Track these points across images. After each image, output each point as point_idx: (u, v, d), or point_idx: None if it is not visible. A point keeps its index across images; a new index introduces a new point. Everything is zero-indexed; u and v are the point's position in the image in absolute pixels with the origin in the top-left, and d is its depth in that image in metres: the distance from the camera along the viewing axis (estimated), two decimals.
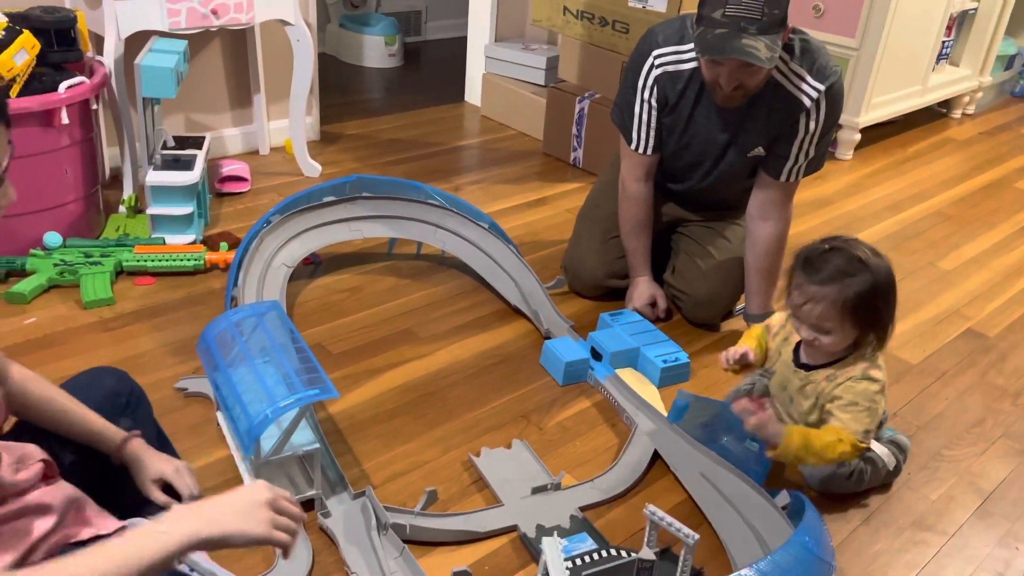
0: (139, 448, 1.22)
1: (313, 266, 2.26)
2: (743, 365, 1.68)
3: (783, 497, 1.48)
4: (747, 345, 1.68)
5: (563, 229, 2.53)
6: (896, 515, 1.60)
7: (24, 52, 1.95)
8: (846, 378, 1.50)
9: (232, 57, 2.81)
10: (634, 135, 1.99)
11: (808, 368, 1.56)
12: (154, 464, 1.21)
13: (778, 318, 1.68)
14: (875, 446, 1.62)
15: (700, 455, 1.61)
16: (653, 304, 2.12)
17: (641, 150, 2.00)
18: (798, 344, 1.59)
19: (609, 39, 2.80)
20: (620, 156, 2.10)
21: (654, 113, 1.94)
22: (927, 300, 2.39)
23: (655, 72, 1.90)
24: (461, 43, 3.76)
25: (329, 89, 3.52)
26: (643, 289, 2.12)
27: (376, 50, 4.19)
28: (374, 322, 2.05)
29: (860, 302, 1.43)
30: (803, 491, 1.55)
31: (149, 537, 0.89)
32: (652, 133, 1.97)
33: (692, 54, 1.84)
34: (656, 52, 1.89)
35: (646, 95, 1.93)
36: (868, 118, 3.41)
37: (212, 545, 0.91)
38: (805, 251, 1.49)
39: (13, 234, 2.07)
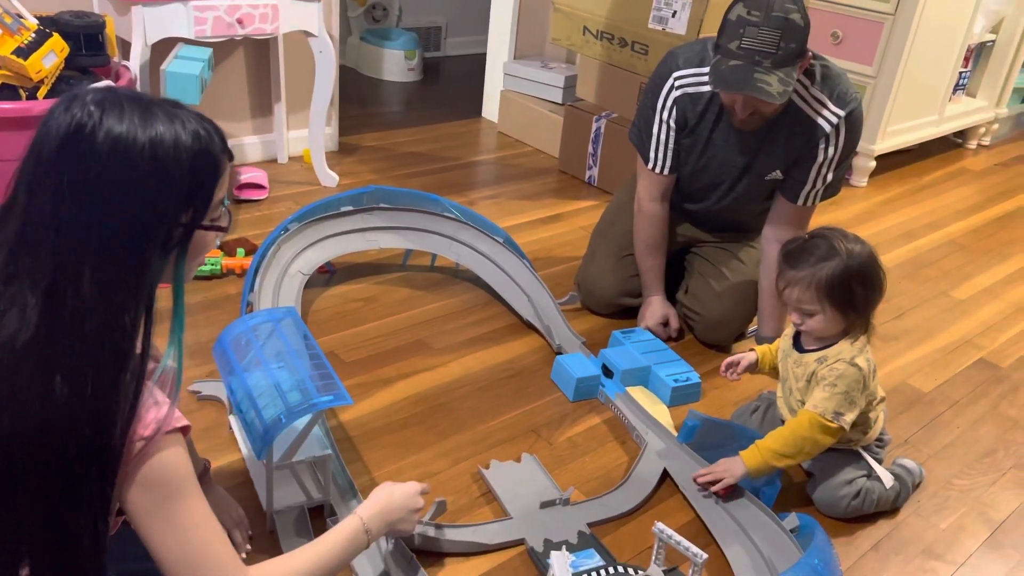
0: (210, 482, 1.34)
1: (328, 275, 2.27)
2: (749, 371, 1.72)
3: (792, 520, 1.48)
4: (757, 353, 1.71)
5: (577, 246, 2.54)
6: (905, 543, 1.59)
7: (53, 55, 1.99)
8: (835, 360, 1.53)
9: (255, 66, 2.85)
10: (652, 155, 2.00)
11: (802, 351, 1.60)
12: (222, 504, 1.34)
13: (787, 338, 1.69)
14: (877, 468, 1.62)
15: None
16: (665, 323, 2.12)
17: (658, 170, 2.01)
18: (798, 332, 1.63)
19: (628, 60, 2.82)
20: (636, 175, 2.11)
21: (672, 134, 1.96)
22: (940, 329, 2.39)
23: (675, 93, 1.92)
24: (480, 60, 3.79)
25: (348, 101, 3.55)
26: (656, 308, 2.13)
27: (396, 64, 4.23)
28: (387, 332, 2.06)
29: (834, 283, 1.50)
30: (811, 515, 1.54)
31: (358, 536, 1.18)
32: (670, 154, 1.98)
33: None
34: (677, 74, 1.91)
35: (665, 116, 1.94)
36: (884, 146, 3.42)
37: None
38: (788, 243, 1.59)
39: None
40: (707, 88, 1.88)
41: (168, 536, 0.93)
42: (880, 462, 1.64)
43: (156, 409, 0.91)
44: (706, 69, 1.86)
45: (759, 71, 1.67)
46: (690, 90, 1.90)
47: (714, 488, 1.55)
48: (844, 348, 1.54)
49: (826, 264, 1.50)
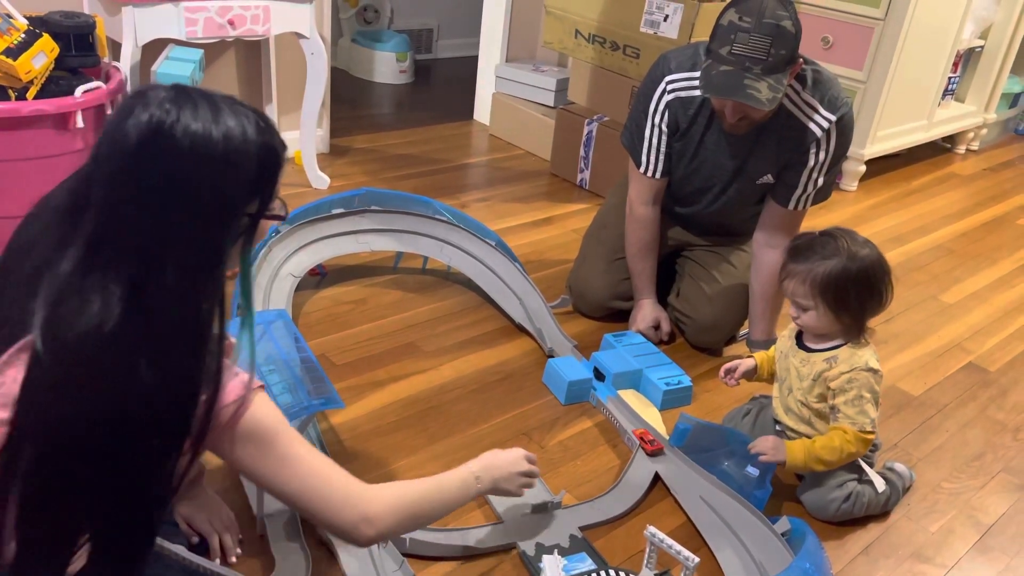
0: (202, 486, 1.36)
1: (319, 277, 2.27)
2: (747, 378, 1.73)
3: (783, 523, 1.48)
4: (755, 359, 1.72)
5: (569, 249, 2.54)
6: (895, 546, 1.60)
7: (43, 55, 1.97)
8: (850, 367, 1.53)
9: (246, 68, 2.84)
10: (643, 158, 2.01)
11: (809, 350, 1.60)
12: (213, 507, 1.35)
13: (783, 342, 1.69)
14: (869, 471, 1.62)
15: (701, 479, 1.61)
16: (657, 327, 2.13)
17: (650, 173, 2.01)
18: (800, 332, 1.64)
19: (620, 63, 2.82)
20: (628, 179, 2.11)
21: (664, 138, 1.96)
22: (929, 333, 2.40)
23: (667, 97, 1.92)
24: (472, 62, 3.79)
25: (340, 103, 3.54)
26: (647, 311, 2.13)
27: (387, 66, 4.23)
28: (378, 335, 2.05)
29: (829, 282, 1.51)
30: (802, 519, 1.55)
31: (469, 484, 1.26)
32: (661, 157, 1.99)
33: None
34: (669, 78, 1.91)
35: (657, 119, 1.95)
36: (873, 150, 3.44)
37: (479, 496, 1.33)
38: (798, 237, 1.61)
39: None
40: (699, 92, 1.88)
41: (284, 473, 1.03)
42: (871, 466, 1.65)
43: (236, 377, 0.99)
44: (698, 73, 1.87)
45: (749, 77, 1.67)
46: (682, 94, 1.91)
47: (761, 459, 1.57)
48: (857, 354, 1.54)
49: (826, 262, 1.51)
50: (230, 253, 0.96)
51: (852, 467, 1.62)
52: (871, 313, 1.55)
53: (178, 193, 0.90)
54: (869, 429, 1.53)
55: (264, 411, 1.02)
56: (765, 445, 1.58)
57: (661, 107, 1.93)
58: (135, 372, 0.88)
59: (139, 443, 0.91)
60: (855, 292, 1.51)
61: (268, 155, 0.96)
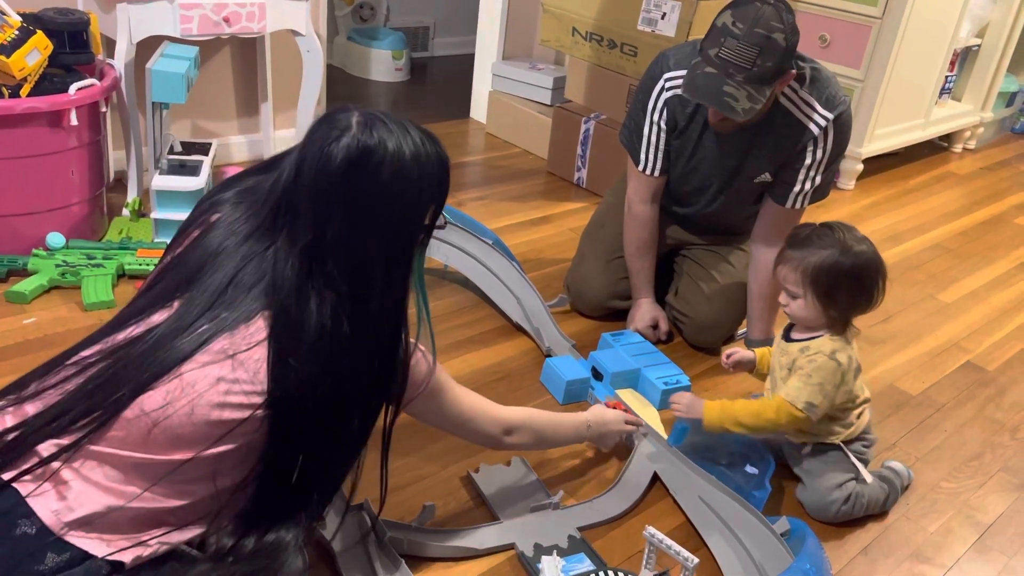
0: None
1: None
2: (747, 370, 1.75)
3: (782, 523, 1.47)
4: (756, 354, 1.73)
5: (566, 248, 2.53)
6: (895, 546, 1.59)
7: (36, 52, 1.96)
8: (815, 352, 1.55)
9: (241, 65, 2.82)
10: (642, 156, 2.00)
11: (789, 340, 1.62)
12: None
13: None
14: (860, 467, 1.62)
15: (699, 479, 1.60)
16: (655, 326, 2.12)
17: (649, 171, 2.01)
18: (790, 325, 1.65)
19: (617, 61, 2.81)
20: (627, 177, 2.10)
21: (663, 135, 1.95)
22: (927, 332, 2.40)
23: (666, 95, 1.91)
24: (468, 60, 3.78)
25: (336, 101, 3.52)
26: (645, 311, 2.12)
27: (383, 64, 4.21)
28: None
29: (820, 272, 1.52)
30: (801, 519, 1.54)
31: (581, 428, 1.57)
32: (660, 155, 1.98)
33: None
34: (667, 75, 1.90)
35: (656, 117, 1.94)
36: (871, 149, 3.44)
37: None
38: (799, 228, 1.63)
39: (16, 233, 2.07)
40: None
41: (452, 411, 1.34)
42: (867, 463, 1.64)
43: (421, 357, 1.22)
44: None
45: (730, 84, 1.66)
46: (680, 92, 1.90)
47: (676, 413, 1.65)
48: (826, 342, 1.55)
49: (820, 252, 1.52)
50: (414, 260, 1.12)
51: (848, 467, 1.61)
52: (859, 310, 1.56)
53: (379, 208, 1.04)
54: (799, 407, 1.52)
55: (437, 377, 1.26)
56: (681, 401, 1.64)
57: (660, 104, 1.93)
58: (344, 367, 1.07)
59: (348, 415, 1.13)
60: (846, 286, 1.52)
61: (444, 166, 1.10)
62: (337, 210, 1.03)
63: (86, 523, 1.00)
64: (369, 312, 1.07)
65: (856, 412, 1.62)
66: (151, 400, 1.03)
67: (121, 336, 1.08)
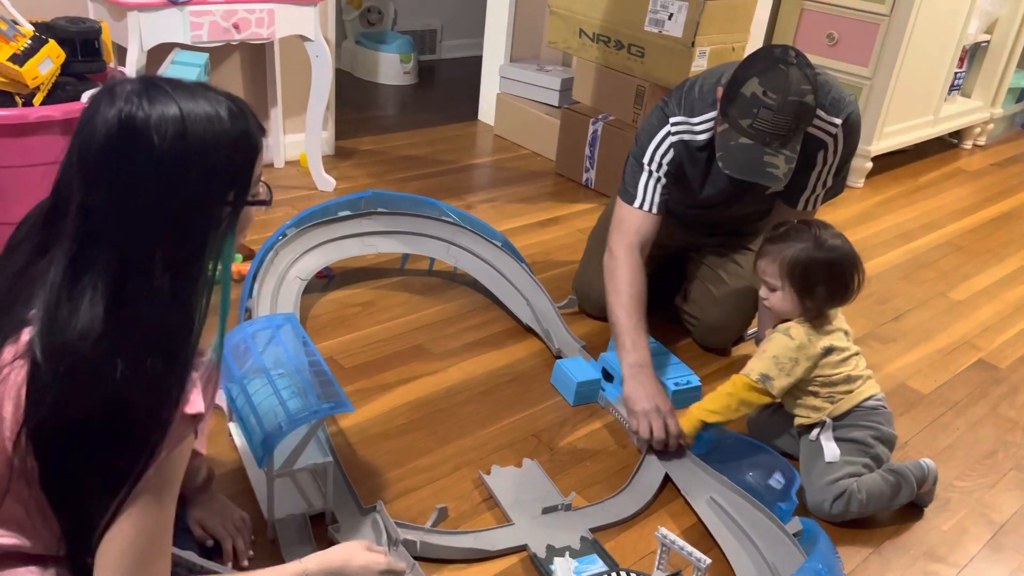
0: (212, 491, 1.37)
1: (326, 280, 2.27)
2: None
3: (794, 524, 1.47)
4: None
5: (575, 249, 2.54)
6: (908, 545, 1.59)
7: (49, 61, 1.98)
8: (776, 331, 1.66)
9: (251, 71, 2.84)
10: (640, 192, 1.89)
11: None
12: (225, 511, 1.36)
13: None
14: (824, 444, 1.62)
15: (711, 480, 1.61)
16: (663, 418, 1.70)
17: (647, 208, 1.89)
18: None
19: (624, 62, 2.82)
20: (612, 226, 1.93)
21: (663, 180, 1.89)
22: (938, 330, 2.39)
23: (671, 139, 1.87)
24: (476, 62, 3.79)
25: (344, 105, 3.55)
26: (649, 390, 1.71)
27: (391, 67, 4.23)
28: (386, 337, 2.05)
29: (796, 265, 1.61)
30: (813, 519, 1.54)
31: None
32: (658, 195, 1.89)
33: (704, 126, 1.84)
34: (673, 119, 1.86)
35: (660, 160, 1.88)
36: (880, 147, 3.43)
37: None
38: (777, 225, 1.70)
39: None
40: (702, 136, 1.84)
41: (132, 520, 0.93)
42: (877, 457, 1.62)
43: (196, 389, 0.95)
44: (696, 119, 1.83)
45: (768, 153, 1.65)
46: (685, 137, 1.87)
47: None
48: (789, 323, 1.65)
49: (795, 245, 1.62)
50: (213, 245, 0.94)
51: (843, 463, 1.60)
52: (836, 302, 1.64)
53: (152, 187, 0.88)
54: (755, 379, 1.61)
55: (183, 460, 0.97)
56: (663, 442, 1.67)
57: (664, 147, 1.87)
58: (112, 373, 0.87)
59: (103, 442, 0.89)
60: (821, 278, 1.60)
61: (243, 141, 0.94)
62: (102, 193, 0.88)
63: None
64: (140, 311, 0.89)
65: (844, 389, 1.63)
66: None
67: None
